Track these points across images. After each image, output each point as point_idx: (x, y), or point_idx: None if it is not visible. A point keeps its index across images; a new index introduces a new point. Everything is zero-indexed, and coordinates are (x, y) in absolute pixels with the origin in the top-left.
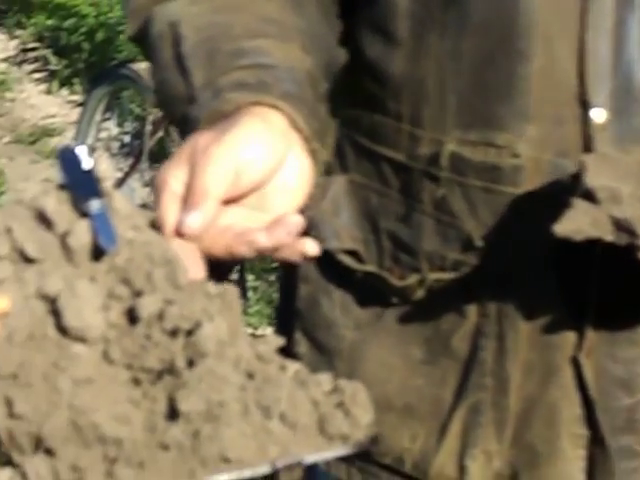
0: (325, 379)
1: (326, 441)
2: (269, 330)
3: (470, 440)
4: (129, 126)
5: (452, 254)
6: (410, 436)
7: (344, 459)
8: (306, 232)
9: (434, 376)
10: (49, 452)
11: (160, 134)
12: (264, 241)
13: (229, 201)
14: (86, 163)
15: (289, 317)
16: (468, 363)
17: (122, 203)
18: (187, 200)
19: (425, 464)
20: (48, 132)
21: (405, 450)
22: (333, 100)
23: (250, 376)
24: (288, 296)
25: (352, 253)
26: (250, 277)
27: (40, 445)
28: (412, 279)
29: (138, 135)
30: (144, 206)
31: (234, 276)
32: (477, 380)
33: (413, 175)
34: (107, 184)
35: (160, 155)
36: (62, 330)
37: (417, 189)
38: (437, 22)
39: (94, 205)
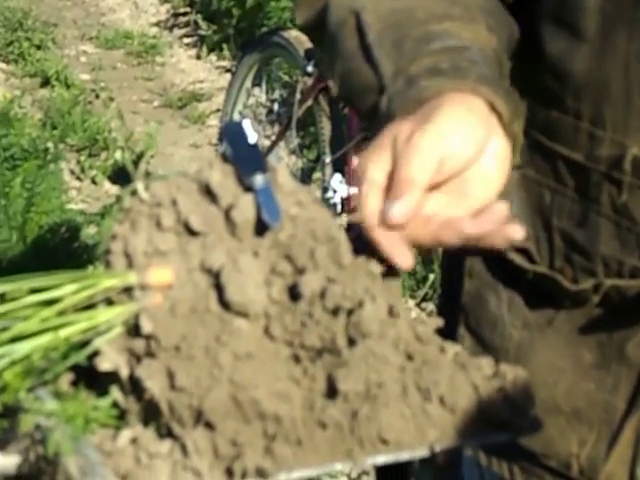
0: (486, 363)
1: (485, 426)
2: (411, 302)
3: None
4: (277, 94)
5: (631, 260)
6: (578, 441)
7: (507, 457)
8: None
9: (605, 382)
10: (209, 426)
11: (309, 103)
12: (472, 229)
13: (430, 188)
14: (251, 137)
15: (453, 311)
16: None
17: (286, 178)
18: (391, 190)
19: (593, 471)
20: (197, 97)
21: (573, 455)
22: None
23: (409, 357)
24: (452, 289)
25: (522, 251)
26: None
27: (200, 419)
28: (587, 284)
29: (286, 103)
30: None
31: None
32: None
33: (592, 176)
34: (271, 159)
35: (308, 124)
36: (224, 304)
37: (596, 191)
38: (626, 20)
39: (259, 180)
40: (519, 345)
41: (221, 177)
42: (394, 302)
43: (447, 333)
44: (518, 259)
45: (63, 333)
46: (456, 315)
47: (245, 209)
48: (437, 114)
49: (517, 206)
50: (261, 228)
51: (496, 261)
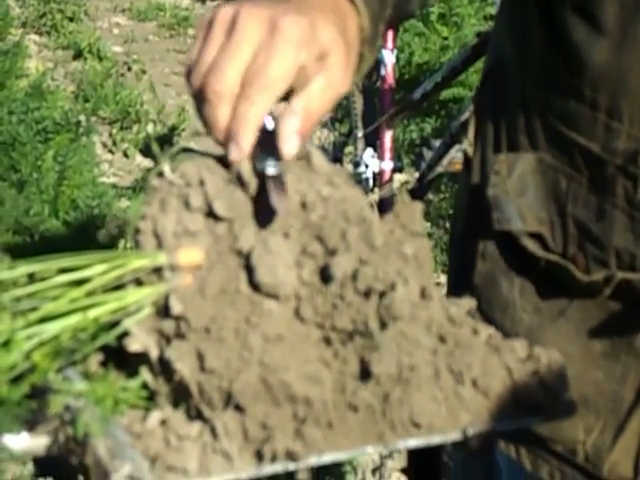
0: (520, 346)
1: (519, 410)
2: (443, 278)
3: None
4: None
5: None
6: (585, 428)
7: (514, 439)
8: (488, 212)
9: (614, 372)
10: (239, 409)
11: None
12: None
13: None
14: (269, 123)
15: (463, 292)
16: None
17: (320, 160)
18: (240, 99)
19: (598, 458)
20: None
21: (579, 442)
22: (524, 76)
23: (442, 339)
24: (463, 269)
25: (536, 236)
26: (426, 224)
27: (230, 401)
28: (599, 275)
29: None
30: (322, 148)
31: None
32: None
33: (607, 168)
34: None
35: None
36: (254, 286)
37: (611, 183)
38: None
39: (271, 166)
40: (529, 330)
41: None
42: (426, 284)
43: None
44: (531, 245)
45: (92, 314)
46: (466, 294)
47: None
48: (305, 6)
49: (532, 191)
50: (268, 213)
51: (509, 246)
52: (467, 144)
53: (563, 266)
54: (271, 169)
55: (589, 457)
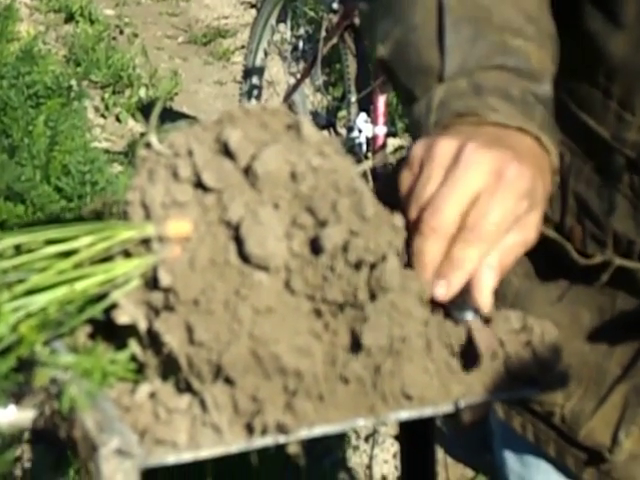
0: (514, 316)
1: (511, 382)
2: None
3: (628, 416)
4: (303, 30)
5: None
6: (565, 393)
7: (504, 401)
8: None
9: (601, 344)
10: (228, 381)
11: (334, 40)
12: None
13: None
14: None
15: None
16: None
17: (310, 129)
18: (453, 247)
19: (575, 423)
20: (221, 33)
21: (557, 405)
22: None
23: (434, 311)
24: None
25: None
26: None
27: (219, 374)
28: (597, 259)
29: (311, 39)
30: (315, 113)
31: None
32: None
33: (615, 156)
34: (300, 114)
35: (333, 61)
36: (244, 257)
37: (617, 170)
38: None
39: (470, 313)
40: (517, 293)
41: (241, 136)
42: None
43: None
44: None
45: (80, 286)
46: None
47: (267, 161)
48: (518, 152)
49: None
50: (474, 359)
51: None
52: None
53: (561, 245)
54: (470, 315)
55: (565, 420)
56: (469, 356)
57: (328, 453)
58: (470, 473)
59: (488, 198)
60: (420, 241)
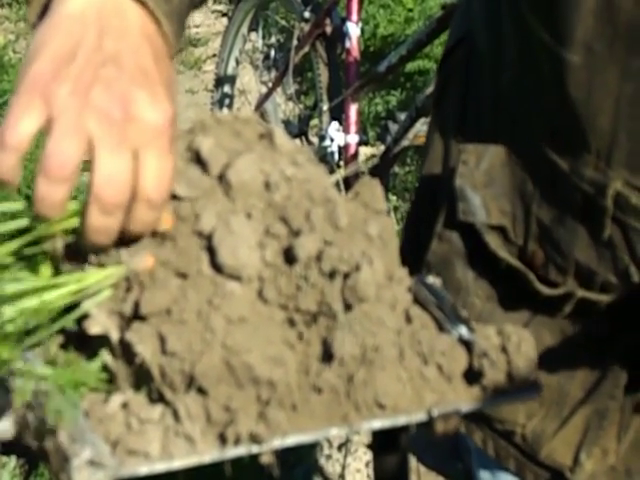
0: (492, 330)
1: (483, 391)
2: None
3: (589, 438)
4: (274, 39)
5: (604, 273)
6: (526, 413)
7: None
8: (453, 201)
9: (563, 367)
10: (201, 391)
11: (306, 49)
12: None
13: None
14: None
15: (416, 260)
16: (605, 371)
17: (283, 139)
18: None
19: (536, 443)
20: (192, 42)
21: (518, 424)
22: (497, 70)
23: (408, 320)
24: (417, 239)
25: (498, 229)
26: (392, 198)
27: (192, 384)
28: (559, 290)
29: (283, 48)
30: (287, 122)
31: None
32: (610, 390)
33: (575, 192)
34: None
35: (305, 70)
36: (217, 267)
37: (578, 202)
38: (618, 63)
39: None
40: (480, 315)
41: (212, 145)
42: (391, 263)
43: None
44: (493, 243)
45: (51, 296)
46: (419, 265)
47: (241, 170)
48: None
49: (499, 183)
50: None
51: (470, 239)
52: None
53: (523, 273)
54: (464, 329)
55: (527, 440)
56: (470, 370)
57: (300, 462)
58: None
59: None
60: None
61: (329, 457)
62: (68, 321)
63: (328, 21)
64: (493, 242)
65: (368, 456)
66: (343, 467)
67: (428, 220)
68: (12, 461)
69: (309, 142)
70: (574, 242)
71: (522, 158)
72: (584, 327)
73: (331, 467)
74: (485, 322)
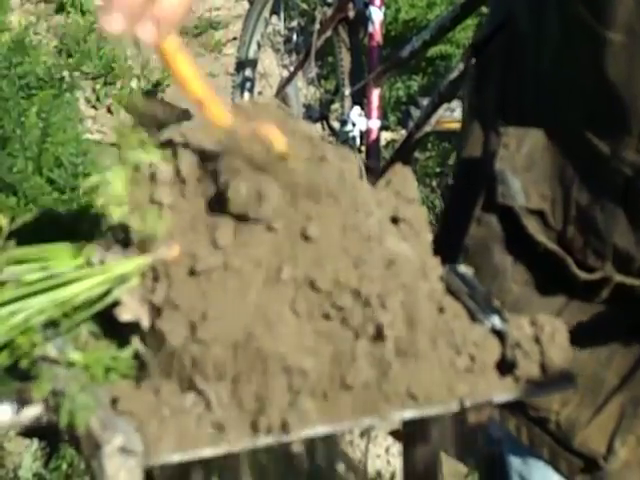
0: (525, 321)
1: (516, 382)
2: (430, 237)
3: (624, 425)
4: (296, 22)
5: None
6: (561, 400)
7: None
8: (492, 185)
9: (600, 354)
10: (233, 380)
11: (328, 33)
12: None
13: None
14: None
15: (452, 246)
16: None
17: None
18: None
19: (570, 431)
20: (213, 25)
21: (552, 411)
22: (539, 51)
23: (441, 310)
24: (455, 224)
25: (537, 213)
26: None
27: (224, 372)
28: (597, 275)
29: (304, 32)
30: (309, 106)
31: None
32: None
33: (615, 175)
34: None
35: (327, 54)
36: None
37: (618, 186)
38: None
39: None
40: (517, 300)
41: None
42: (424, 254)
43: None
44: (532, 226)
45: (79, 287)
46: (455, 252)
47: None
48: None
49: (539, 167)
50: None
51: (509, 223)
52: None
53: (561, 258)
54: (497, 319)
55: (561, 427)
56: (503, 361)
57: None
58: (464, 469)
59: None
60: None
61: (350, 442)
62: (99, 308)
63: (351, 5)
64: (531, 226)
65: (388, 441)
66: (365, 452)
67: (467, 205)
68: (34, 444)
69: (330, 127)
70: (613, 227)
71: (562, 142)
72: (621, 313)
73: (352, 453)
74: (522, 307)
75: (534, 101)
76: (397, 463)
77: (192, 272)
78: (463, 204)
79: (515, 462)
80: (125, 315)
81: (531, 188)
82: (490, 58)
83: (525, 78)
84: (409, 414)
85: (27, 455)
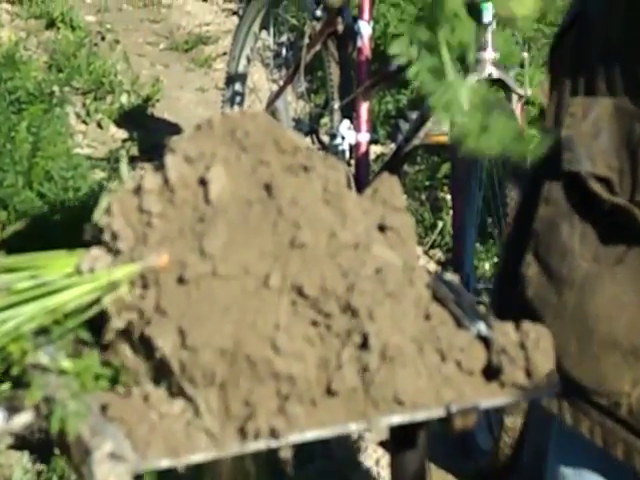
0: (510, 327)
1: (502, 387)
2: (419, 249)
3: None
4: (285, 37)
5: None
6: (632, 380)
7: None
8: (559, 152)
9: None
10: (221, 386)
11: (317, 48)
12: None
13: None
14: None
15: (522, 237)
16: None
17: None
18: None
19: None
20: (203, 40)
21: (624, 394)
22: (608, 25)
23: (427, 317)
24: (525, 215)
25: (604, 180)
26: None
27: (212, 379)
28: None
29: (294, 47)
30: (298, 120)
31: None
32: None
33: None
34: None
35: (316, 68)
36: None
37: None
38: None
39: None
40: (586, 277)
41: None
42: (411, 261)
43: (515, 260)
44: (598, 188)
45: (68, 295)
46: (525, 242)
47: None
48: None
49: (606, 135)
50: None
51: (576, 189)
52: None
53: (629, 210)
54: (482, 325)
55: (633, 410)
56: (489, 366)
57: (311, 460)
58: (452, 479)
59: None
60: None
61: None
62: (88, 317)
63: (340, 20)
64: (597, 188)
65: (379, 453)
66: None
67: (536, 189)
68: (25, 457)
69: (320, 140)
70: None
71: (630, 109)
72: None
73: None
74: (592, 283)
75: (604, 85)
76: (387, 475)
77: (181, 279)
78: (534, 194)
79: (566, 472)
80: (114, 323)
81: (598, 157)
82: (562, 53)
83: (595, 67)
84: (396, 419)
85: (18, 468)
